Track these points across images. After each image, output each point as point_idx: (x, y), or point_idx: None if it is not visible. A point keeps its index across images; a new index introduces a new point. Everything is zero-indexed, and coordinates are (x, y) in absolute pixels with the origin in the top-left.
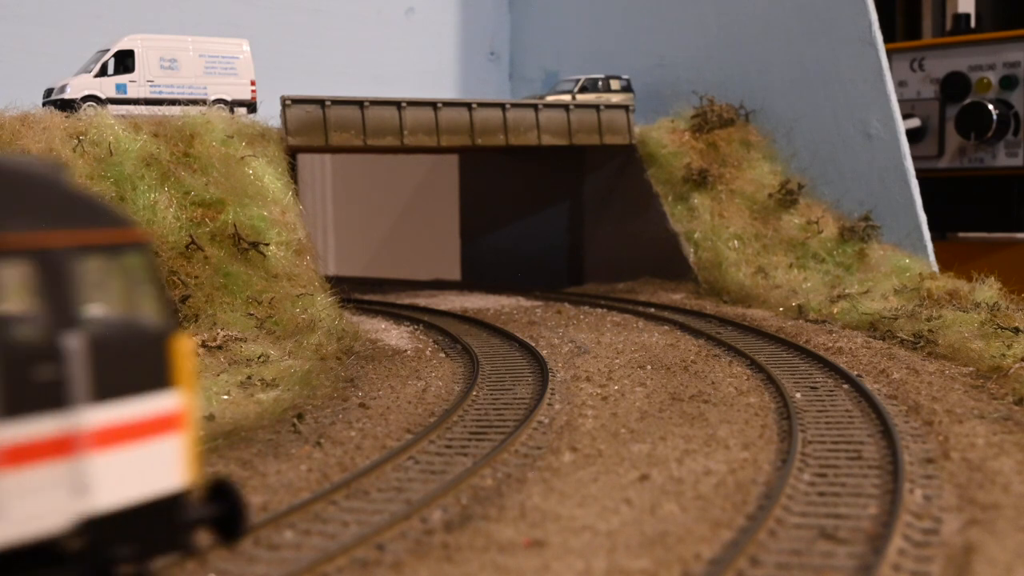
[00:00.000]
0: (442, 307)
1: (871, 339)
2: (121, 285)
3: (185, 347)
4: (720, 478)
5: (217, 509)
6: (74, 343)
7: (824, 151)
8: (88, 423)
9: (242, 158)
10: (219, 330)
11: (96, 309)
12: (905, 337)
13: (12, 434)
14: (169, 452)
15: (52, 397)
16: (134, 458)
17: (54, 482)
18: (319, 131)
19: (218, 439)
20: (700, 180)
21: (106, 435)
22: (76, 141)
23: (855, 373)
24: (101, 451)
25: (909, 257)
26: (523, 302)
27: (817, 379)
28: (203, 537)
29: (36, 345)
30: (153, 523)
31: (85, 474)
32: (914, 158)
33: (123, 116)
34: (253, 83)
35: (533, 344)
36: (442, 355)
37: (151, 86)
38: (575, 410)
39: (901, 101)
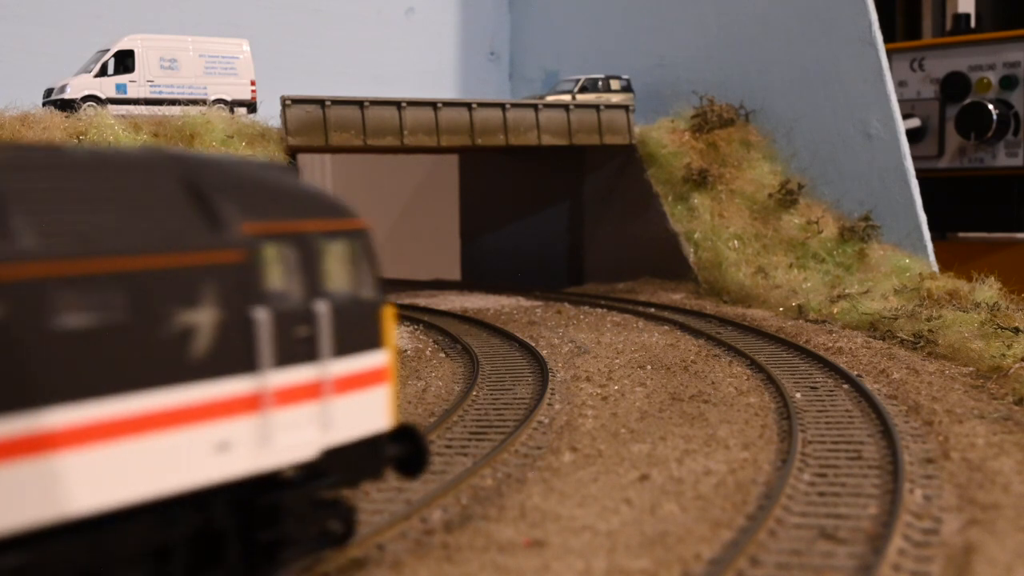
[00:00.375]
0: (442, 307)
1: (871, 339)
2: (348, 263)
3: (391, 315)
4: (720, 478)
5: (404, 449)
6: (322, 309)
7: (824, 151)
8: (331, 373)
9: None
10: None
11: (333, 283)
12: (905, 337)
13: (281, 379)
14: (379, 400)
15: (307, 351)
16: (358, 403)
17: (309, 419)
18: (319, 131)
19: None
20: (700, 180)
21: (342, 383)
22: (76, 141)
23: (855, 373)
24: (339, 396)
25: (909, 257)
26: (523, 302)
27: (817, 379)
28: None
29: (296, 310)
30: (364, 456)
31: (328, 414)
32: (914, 158)
33: (123, 116)
34: (253, 83)
35: (533, 344)
36: (442, 355)
37: (151, 86)
38: (575, 410)
39: (901, 101)
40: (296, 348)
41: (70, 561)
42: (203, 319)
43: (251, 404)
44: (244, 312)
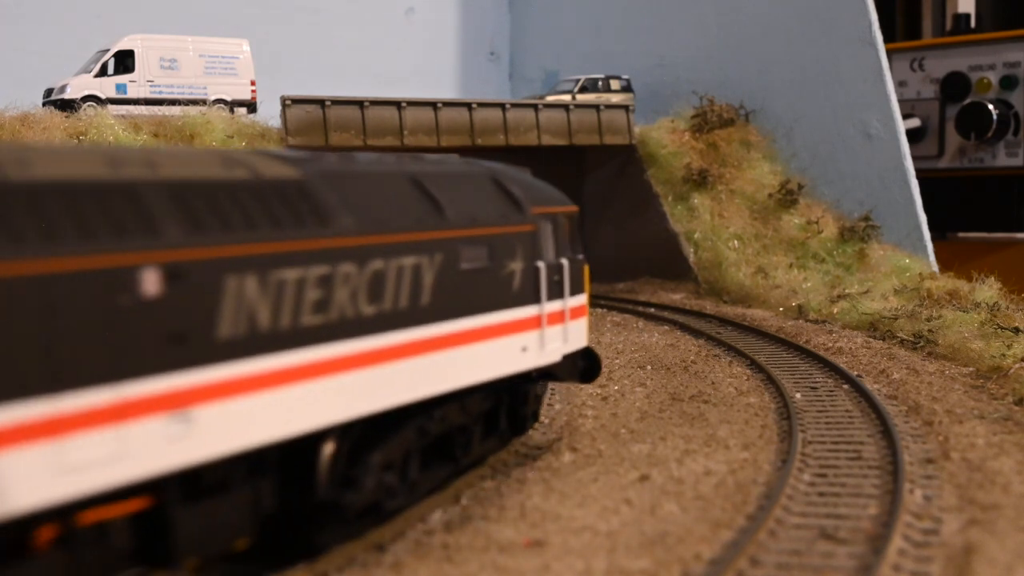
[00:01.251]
0: None
1: (871, 339)
2: (570, 233)
3: (587, 270)
4: (720, 478)
5: (586, 364)
6: (565, 263)
7: (824, 151)
8: (569, 305)
9: None
10: None
11: (566, 246)
12: (905, 337)
13: (549, 308)
14: (584, 327)
15: (559, 291)
16: (576, 327)
17: (559, 335)
18: (319, 131)
19: None
20: (700, 180)
21: (572, 312)
22: (76, 141)
23: (855, 373)
24: (571, 322)
25: (909, 257)
26: None
27: (817, 379)
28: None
29: (553, 264)
30: (573, 363)
31: (567, 332)
32: (914, 158)
33: (123, 116)
34: (253, 83)
35: None
36: None
37: (151, 86)
38: (575, 410)
39: (901, 101)
40: (554, 288)
41: (456, 412)
42: (517, 267)
43: (536, 323)
44: (534, 264)
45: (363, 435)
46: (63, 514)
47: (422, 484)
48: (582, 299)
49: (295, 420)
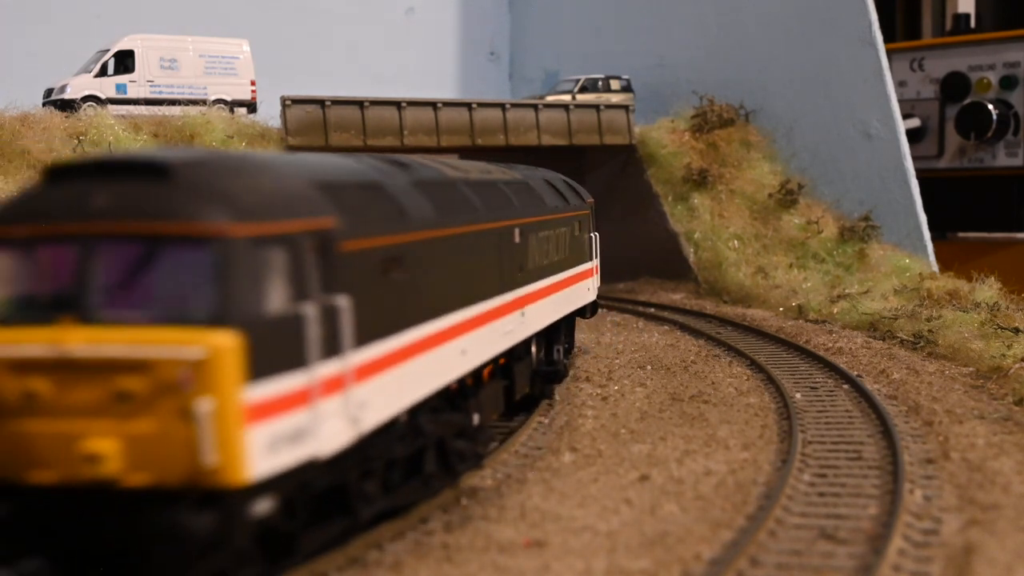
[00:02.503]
0: None
1: (871, 339)
2: (592, 218)
3: (596, 240)
4: (720, 478)
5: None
6: (595, 236)
7: (824, 151)
8: (593, 265)
9: None
10: None
11: (591, 225)
12: (905, 337)
13: (592, 265)
14: (594, 283)
15: (591, 254)
16: (594, 281)
17: (592, 284)
18: (319, 131)
19: None
20: (700, 180)
21: (590, 272)
22: (76, 141)
23: (855, 373)
24: (593, 277)
25: (909, 257)
26: None
27: (817, 379)
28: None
29: (590, 236)
30: (591, 307)
31: (592, 284)
32: (914, 158)
33: (123, 116)
34: (253, 83)
35: None
36: None
37: (151, 86)
38: (575, 410)
39: (901, 101)
40: (592, 253)
41: (569, 324)
42: (586, 236)
43: (588, 275)
44: (588, 234)
45: (547, 334)
46: (488, 364)
47: (566, 364)
48: (593, 264)
49: (546, 319)
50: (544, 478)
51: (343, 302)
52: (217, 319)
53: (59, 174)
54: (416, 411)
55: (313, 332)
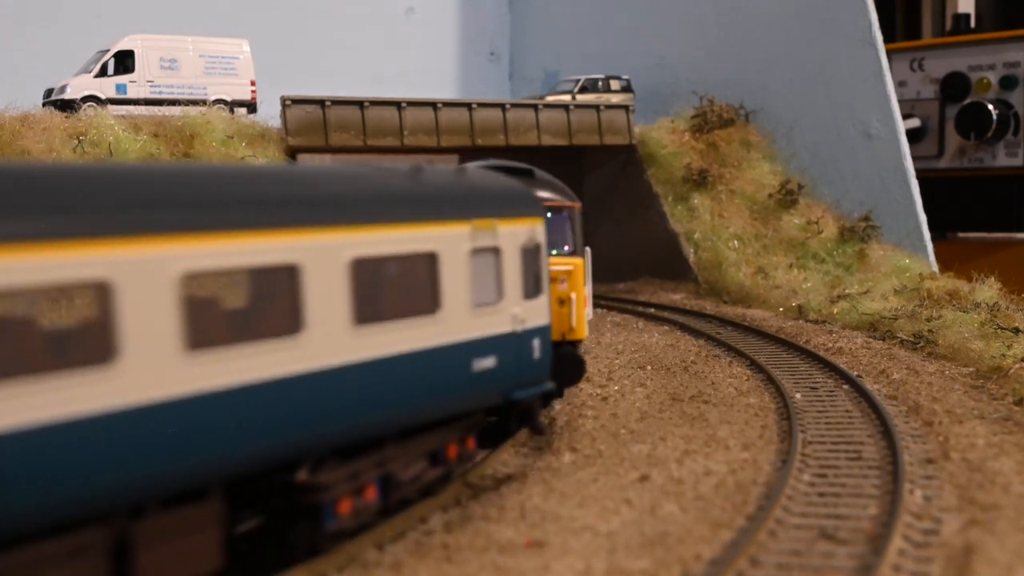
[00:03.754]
0: None
1: (871, 339)
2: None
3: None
4: (720, 478)
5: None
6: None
7: (824, 151)
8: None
9: (242, 159)
10: None
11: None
12: (905, 337)
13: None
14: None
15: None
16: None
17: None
18: (319, 131)
19: None
20: (700, 180)
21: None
22: (76, 141)
23: (855, 373)
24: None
25: (909, 257)
26: None
27: (817, 379)
28: None
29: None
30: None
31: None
32: (914, 158)
33: (123, 116)
34: (253, 83)
35: None
36: None
37: (151, 86)
38: (575, 410)
39: (901, 101)
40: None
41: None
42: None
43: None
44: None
45: None
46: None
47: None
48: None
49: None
50: (544, 478)
51: None
52: None
53: None
54: None
55: None
